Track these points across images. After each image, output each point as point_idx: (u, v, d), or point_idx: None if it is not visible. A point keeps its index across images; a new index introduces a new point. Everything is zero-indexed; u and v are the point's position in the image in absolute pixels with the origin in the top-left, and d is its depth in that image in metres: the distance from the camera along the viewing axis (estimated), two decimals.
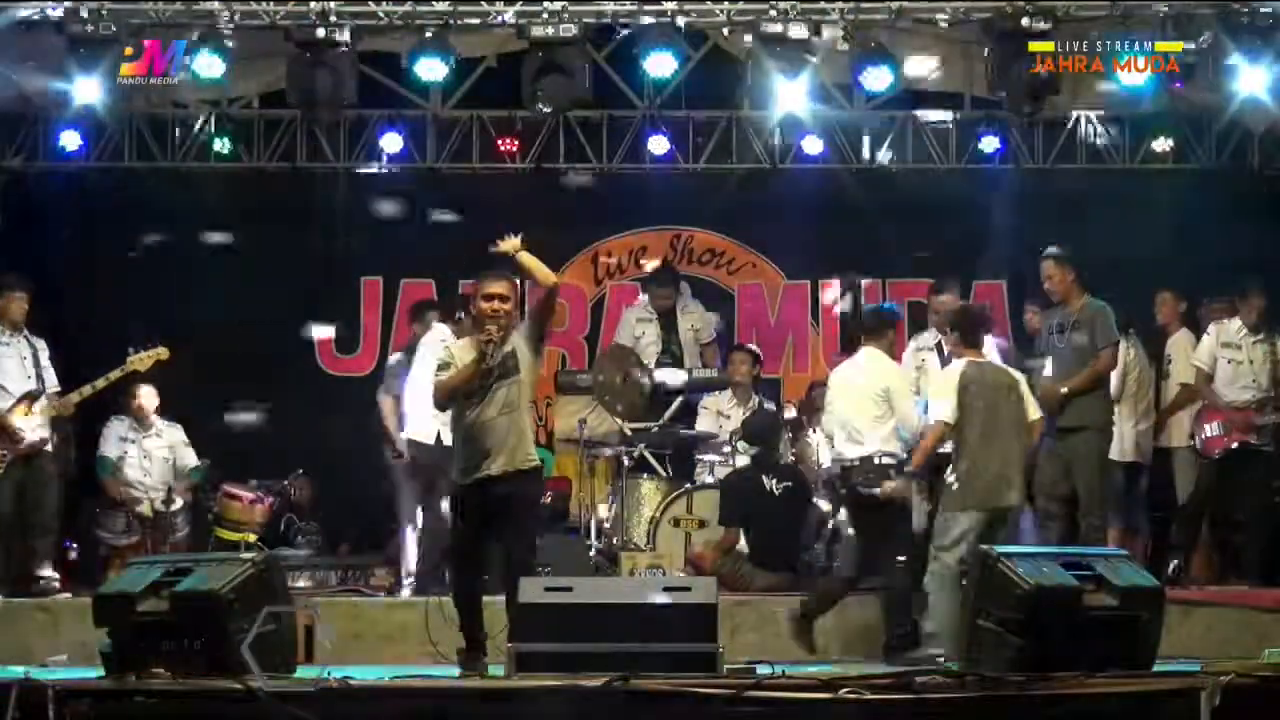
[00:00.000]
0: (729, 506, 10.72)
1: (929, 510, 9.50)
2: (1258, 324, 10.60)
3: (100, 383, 10.54)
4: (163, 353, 10.66)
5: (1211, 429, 10.61)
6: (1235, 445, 10.51)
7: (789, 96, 10.94)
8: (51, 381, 10.45)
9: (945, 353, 10.61)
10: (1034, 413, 9.19)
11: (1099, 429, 10.07)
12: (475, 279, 8.58)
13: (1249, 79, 10.56)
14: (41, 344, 10.50)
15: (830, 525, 10.90)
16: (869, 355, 9.48)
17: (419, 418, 10.64)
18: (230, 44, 10.75)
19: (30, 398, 10.26)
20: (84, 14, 10.47)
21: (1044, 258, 10.27)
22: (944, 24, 10.79)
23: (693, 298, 12.68)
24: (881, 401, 9.29)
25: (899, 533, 9.28)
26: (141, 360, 10.60)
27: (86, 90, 10.72)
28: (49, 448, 10.37)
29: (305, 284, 13.00)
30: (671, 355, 12.18)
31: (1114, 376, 10.38)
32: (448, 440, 10.30)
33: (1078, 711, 6.88)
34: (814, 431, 11.22)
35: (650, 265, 13.34)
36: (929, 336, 10.92)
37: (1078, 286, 10.13)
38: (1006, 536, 8.98)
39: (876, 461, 9.23)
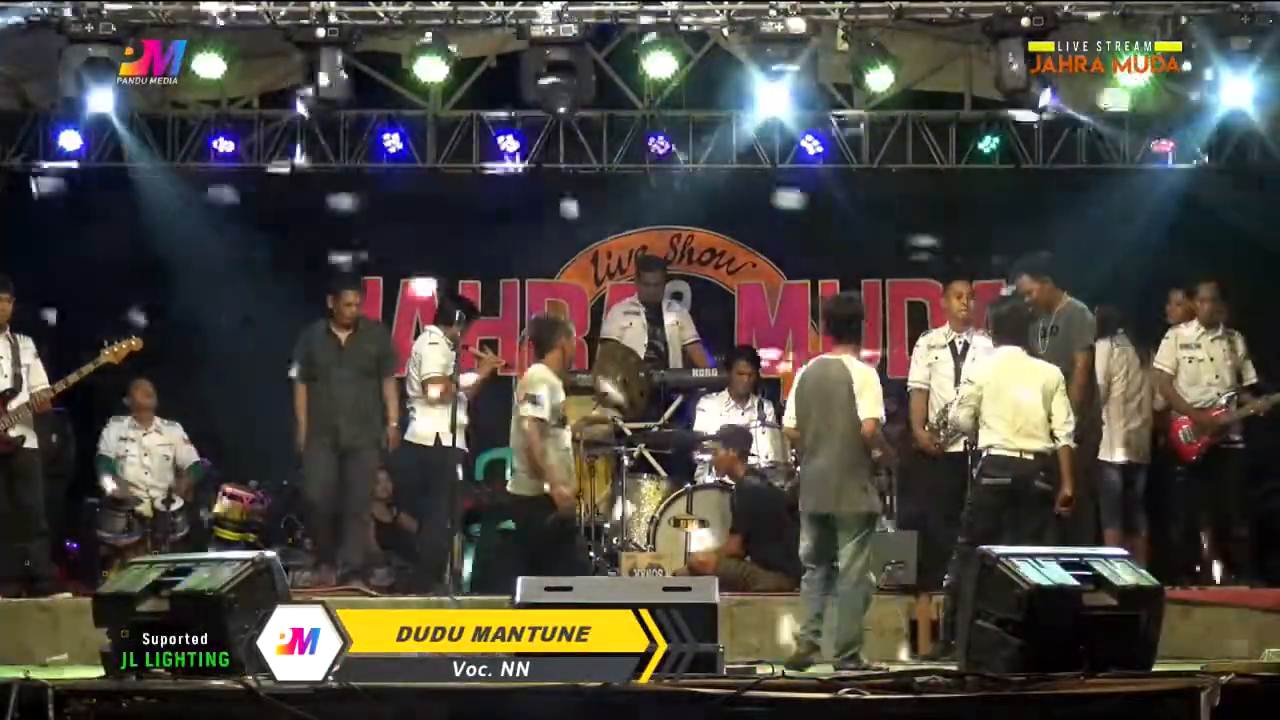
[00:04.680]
0: (742, 512, 10.73)
1: None
2: (1213, 319, 10.66)
3: (73, 377, 10.54)
4: (136, 344, 10.66)
5: (1184, 433, 10.66)
6: (1210, 446, 10.56)
7: (784, 98, 10.93)
8: (39, 379, 10.44)
9: (957, 351, 10.59)
10: (867, 412, 8.80)
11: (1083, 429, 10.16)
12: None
13: (1233, 90, 10.59)
14: (26, 342, 10.49)
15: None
16: (1020, 354, 9.28)
17: (415, 419, 10.70)
18: (230, 44, 10.76)
19: (3, 397, 10.25)
20: (84, 14, 10.47)
21: (1017, 274, 10.16)
22: (944, 24, 10.79)
23: (680, 303, 12.72)
24: (1048, 399, 9.19)
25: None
26: (115, 352, 10.59)
27: (103, 99, 10.74)
28: (30, 445, 10.36)
29: (305, 284, 12.99)
30: (656, 350, 12.21)
31: (1101, 378, 10.39)
32: (447, 441, 10.41)
33: (1078, 711, 6.89)
34: None
35: None
36: (940, 334, 10.90)
37: (1057, 292, 10.17)
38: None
39: (1049, 458, 9.10)
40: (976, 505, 9.11)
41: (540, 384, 9.37)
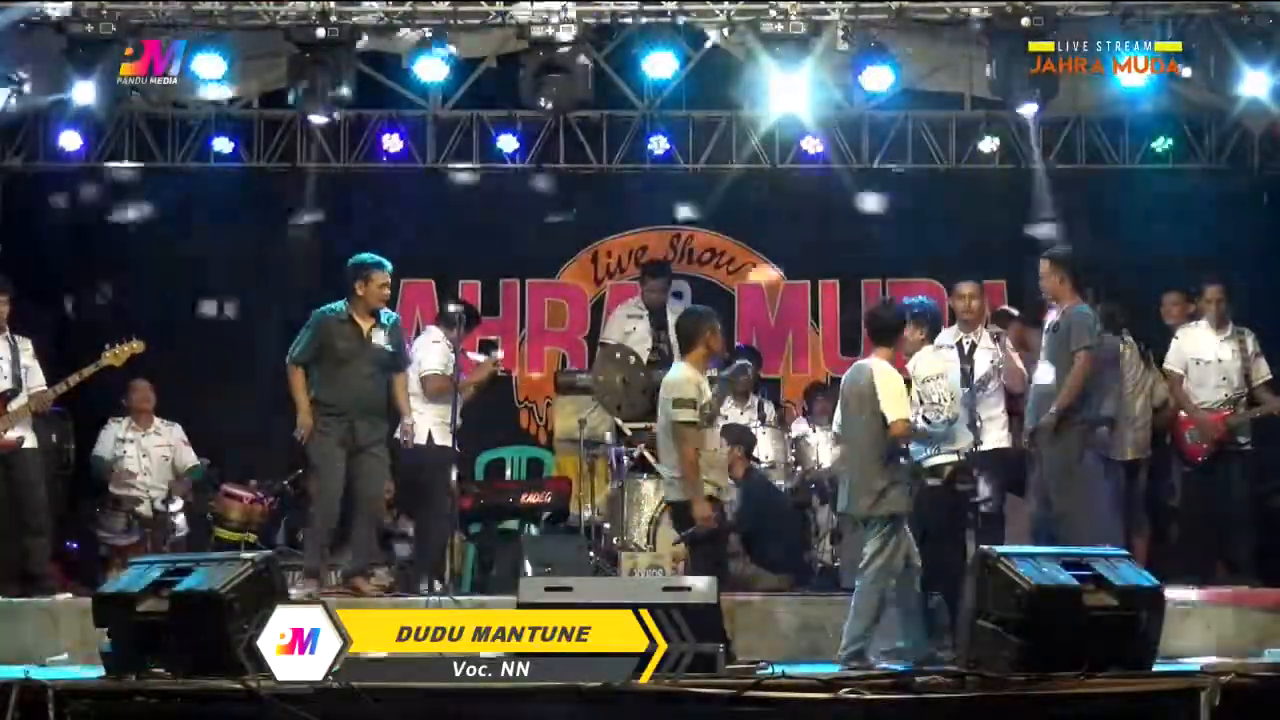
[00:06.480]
0: (743, 511, 10.73)
1: None
2: (1221, 320, 10.64)
3: (74, 378, 10.48)
4: (137, 346, 10.57)
5: (1190, 435, 10.65)
6: (1216, 448, 10.55)
7: (787, 94, 10.92)
8: (36, 380, 10.43)
9: (964, 351, 10.59)
10: (893, 413, 8.75)
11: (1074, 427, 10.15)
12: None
13: (1250, 81, 10.56)
14: (25, 343, 10.46)
15: (834, 526, 10.92)
16: (929, 349, 9.46)
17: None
18: (230, 44, 10.76)
19: (3, 398, 10.25)
20: (84, 14, 10.46)
21: (1042, 256, 10.30)
22: (944, 24, 10.80)
23: (680, 303, 12.71)
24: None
25: None
26: (116, 355, 10.53)
27: (86, 91, 10.72)
28: (30, 445, 10.35)
29: (305, 284, 12.99)
30: (660, 353, 12.17)
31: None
32: (440, 440, 10.39)
33: (1078, 711, 6.89)
34: (814, 431, 11.21)
35: None
36: (947, 335, 10.89)
37: (1068, 289, 10.15)
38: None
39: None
40: (940, 516, 9.18)
41: (686, 385, 9.18)
